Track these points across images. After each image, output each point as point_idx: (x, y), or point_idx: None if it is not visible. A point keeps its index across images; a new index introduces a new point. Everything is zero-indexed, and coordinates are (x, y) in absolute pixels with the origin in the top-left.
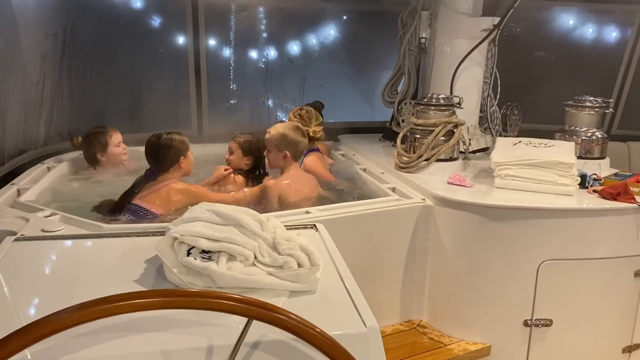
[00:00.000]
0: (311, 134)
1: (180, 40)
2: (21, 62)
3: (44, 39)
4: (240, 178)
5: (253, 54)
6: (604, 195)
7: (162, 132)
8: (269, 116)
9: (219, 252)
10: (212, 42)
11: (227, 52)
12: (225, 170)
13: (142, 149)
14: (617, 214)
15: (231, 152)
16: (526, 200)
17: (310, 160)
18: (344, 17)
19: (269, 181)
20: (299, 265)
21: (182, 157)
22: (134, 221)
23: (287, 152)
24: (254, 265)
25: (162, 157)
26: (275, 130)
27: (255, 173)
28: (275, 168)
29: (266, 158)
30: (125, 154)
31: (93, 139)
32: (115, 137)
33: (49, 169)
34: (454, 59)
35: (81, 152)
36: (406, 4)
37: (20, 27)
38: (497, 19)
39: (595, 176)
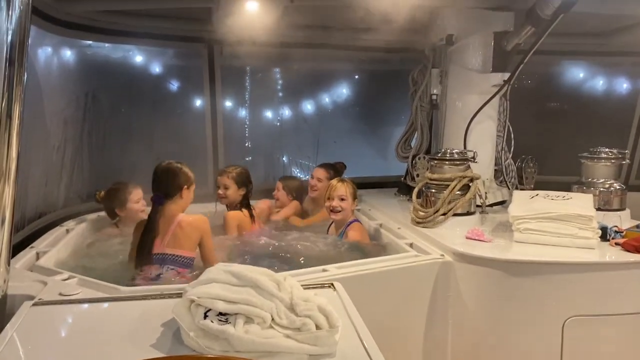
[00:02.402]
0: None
1: (198, 102)
2: (44, 127)
3: (66, 105)
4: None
5: (268, 113)
6: (627, 248)
7: (171, 161)
8: (283, 172)
9: (236, 314)
10: (228, 103)
11: (242, 112)
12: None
13: None
14: None
15: (226, 187)
16: (547, 255)
17: (356, 230)
18: (356, 77)
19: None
20: (317, 327)
21: (185, 187)
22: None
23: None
24: (272, 327)
25: (169, 181)
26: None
27: (247, 203)
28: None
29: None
30: (144, 211)
31: (113, 195)
32: (135, 194)
33: (67, 231)
34: (466, 114)
35: (102, 208)
36: (416, 62)
37: (44, 94)
38: (507, 75)
39: (616, 228)
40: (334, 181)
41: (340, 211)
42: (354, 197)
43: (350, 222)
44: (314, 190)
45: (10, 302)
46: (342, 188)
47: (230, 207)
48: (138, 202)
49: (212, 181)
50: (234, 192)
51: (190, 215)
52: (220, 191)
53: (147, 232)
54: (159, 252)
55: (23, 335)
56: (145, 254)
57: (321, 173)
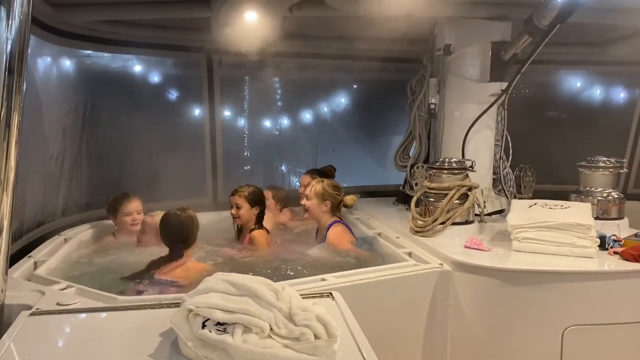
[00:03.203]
0: (346, 203)
1: (197, 111)
2: (43, 137)
3: (65, 114)
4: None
5: (267, 122)
6: (625, 256)
7: (176, 211)
8: (282, 181)
9: (235, 323)
10: (227, 112)
11: (241, 121)
12: None
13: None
14: None
15: (238, 207)
16: (546, 264)
17: (333, 232)
18: (354, 86)
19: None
20: (316, 336)
21: (197, 231)
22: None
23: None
24: (270, 337)
25: (188, 233)
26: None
27: (261, 220)
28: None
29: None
30: (134, 226)
31: (111, 203)
32: (126, 207)
33: (65, 240)
34: (464, 123)
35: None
36: (414, 71)
37: (43, 103)
38: (504, 84)
39: (614, 237)
40: (314, 181)
41: (306, 210)
42: (322, 199)
43: (330, 225)
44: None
45: (8, 311)
46: (309, 187)
47: (245, 226)
48: (128, 215)
49: (210, 190)
50: (247, 212)
51: (198, 263)
52: (232, 211)
53: (154, 264)
54: (157, 277)
55: (20, 345)
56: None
57: (306, 180)
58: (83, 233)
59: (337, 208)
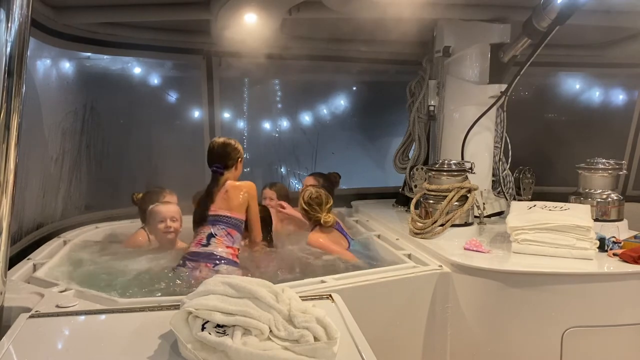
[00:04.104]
0: (322, 222)
1: (196, 113)
2: (42, 139)
3: (64, 116)
4: None
5: (267, 124)
6: (624, 258)
7: (224, 137)
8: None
9: (234, 326)
10: (226, 114)
11: (241, 123)
12: None
13: None
14: None
15: None
16: (545, 266)
17: (311, 236)
18: (354, 88)
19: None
20: (316, 338)
21: (239, 159)
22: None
23: None
24: (270, 339)
25: (228, 154)
26: None
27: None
28: None
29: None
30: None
31: (148, 197)
32: (169, 199)
33: (65, 242)
34: (463, 125)
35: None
36: (414, 73)
37: (43, 106)
38: (504, 86)
39: (614, 239)
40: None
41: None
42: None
43: (312, 229)
44: None
45: (7, 314)
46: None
47: None
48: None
49: None
50: None
51: (238, 181)
52: None
53: (205, 198)
54: (212, 214)
55: (19, 348)
56: (202, 216)
57: (310, 181)
58: (82, 235)
59: (314, 222)
